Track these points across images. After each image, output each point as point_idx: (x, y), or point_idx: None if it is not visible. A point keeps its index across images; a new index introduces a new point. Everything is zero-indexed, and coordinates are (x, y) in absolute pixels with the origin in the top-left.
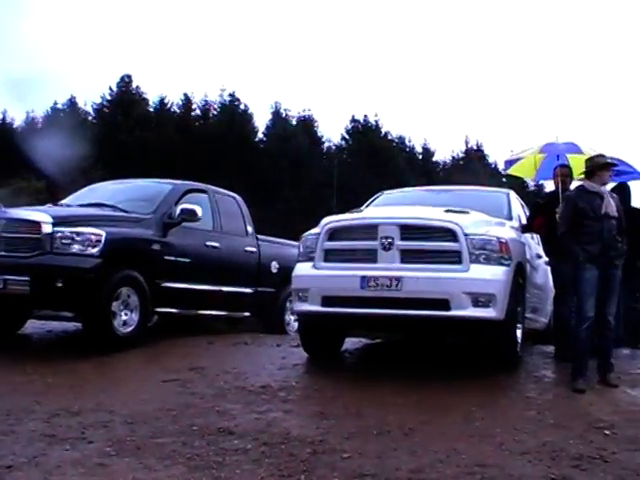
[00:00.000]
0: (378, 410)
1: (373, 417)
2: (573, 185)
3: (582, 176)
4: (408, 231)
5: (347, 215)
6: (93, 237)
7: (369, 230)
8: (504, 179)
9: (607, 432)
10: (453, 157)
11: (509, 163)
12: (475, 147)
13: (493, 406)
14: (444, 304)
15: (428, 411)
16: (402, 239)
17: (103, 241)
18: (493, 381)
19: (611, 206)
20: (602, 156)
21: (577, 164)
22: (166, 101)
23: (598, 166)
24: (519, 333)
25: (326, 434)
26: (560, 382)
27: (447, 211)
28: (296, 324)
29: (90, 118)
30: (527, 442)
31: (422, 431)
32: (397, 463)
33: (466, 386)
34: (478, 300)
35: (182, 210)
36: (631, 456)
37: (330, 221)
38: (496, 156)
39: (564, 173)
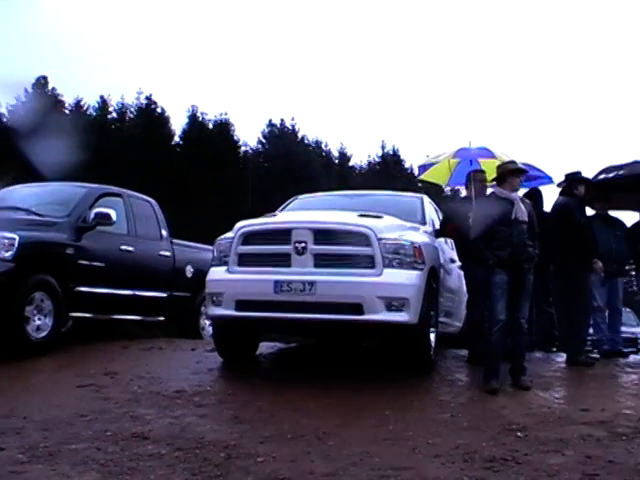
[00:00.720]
0: (292, 414)
1: (287, 421)
2: (489, 191)
3: (494, 182)
4: (321, 235)
5: (261, 219)
6: (6, 241)
7: (283, 234)
8: (420, 184)
9: (519, 434)
10: (369, 162)
11: (423, 168)
12: (391, 152)
13: (407, 409)
14: (357, 308)
15: (342, 415)
16: (316, 243)
17: (16, 245)
18: (407, 385)
19: (522, 211)
20: (513, 162)
21: (490, 169)
22: (82, 103)
23: (508, 172)
24: (433, 337)
25: (240, 438)
26: (473, 385)
27: (361, 216)
28: (211, 328)
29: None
30: (440, 445)
31: (336, 435)
32: (311, 467)
33: (380, 390)
34: (391, 304)
35: (96, 214)
36: (543, 457)
37: (244, 225)
38: (412, 161)
39: (481, 178)
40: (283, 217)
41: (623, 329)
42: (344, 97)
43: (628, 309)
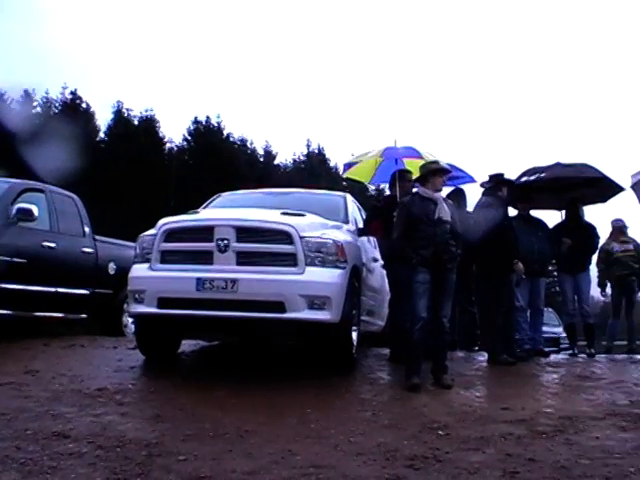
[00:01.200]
0: (214, 412)
1: (209, 419)
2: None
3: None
4: (244, 233)
5: (184, 216)
6: None
7: (205, 232)
8: (344, 183)
9: (440, 432)
10: (294, 160)
11: (347, 166)
12: (316, 150)
13: (328, 408)
14: (279, 306)
15: (264, 413)
16: (238, 241)
17: None
18: (329, 383)
19: (444, 211)
20: (435, 162)
21: (415, 168)
22: (5, 97)
23: (431, 172)
24: (355, 335)
25: (162, 436)
26: (395, 384)
27: (283, 214)
28: (133, 326)
29: None
30: (362, 443)
31: (258, 433)
32: (233, 465)
33: (302, 388)
34: (313, 302)
35: (18, 209)
36: (464, 455)
37: (166, 222)
38: (337, 159)
39: (407, 178)
40: (206, 214)
41: (545, 329)
42: (270, 95)
43: (550, 309)
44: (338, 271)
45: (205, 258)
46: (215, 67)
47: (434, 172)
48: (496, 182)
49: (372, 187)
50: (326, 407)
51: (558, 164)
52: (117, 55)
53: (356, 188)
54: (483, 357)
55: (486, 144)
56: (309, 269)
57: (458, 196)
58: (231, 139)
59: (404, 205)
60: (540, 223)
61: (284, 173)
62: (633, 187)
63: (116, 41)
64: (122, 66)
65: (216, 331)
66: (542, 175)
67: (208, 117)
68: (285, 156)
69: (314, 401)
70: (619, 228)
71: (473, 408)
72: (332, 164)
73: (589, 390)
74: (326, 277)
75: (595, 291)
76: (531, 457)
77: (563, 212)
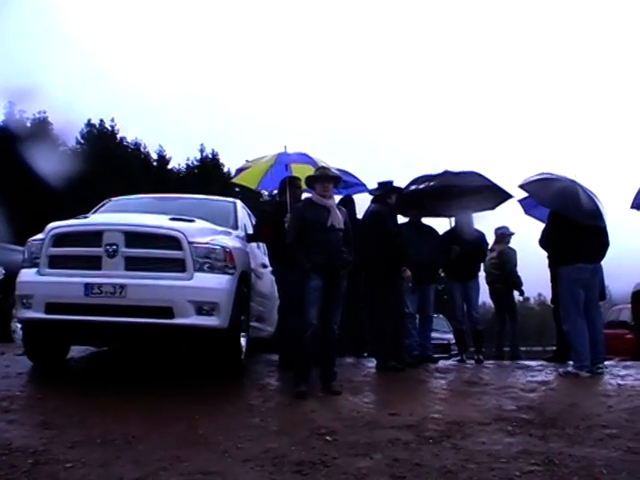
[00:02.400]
0: (102, 419)
1: (97, 426)
2: (305, 196)
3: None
4: (133, 238)
5: (73, 221)
6: None
7: (94, 237)
8: (237, 188)
9: (328, 438)
10: (188, 165)
11: (239, 171)
12: (211, 155)
13: (217, 414)
14: (168, 312)
15: (152, 419)
16: (127, 246)
17: None
18: (217, 389)
19: (337, 219)
20: (327, 169)
21: (305, 175)
22: None
23: (326, 179)
24: (244, 341)
25: (49, 444)
26: (284, 390)
27: (172, 219)
28: (22, 332)
29: None
30: (250, 449)
31: (146, 439)
32: (120, 472)
33: (191, 394)
34: (202, 308)
35: None
36: (351, 461)
37: (55, 227)
38: (231, 165)
39: (297, 185)
40: (95, 219)
41: (436, 335)
42: (164, 99)
43: (441, 315)
44: (226, 277)
45: (94, 263)
46: (109, 69)
47: (326, 179)
48: (385, 190)
49: (266, 193)
50: (214, 413)
51: (447, 172)
52: (5, 53)
53: (251, 194)
54: (372, 363)
55: (383, 150)
56: (198, 275)
57: (348, 203)
58: (125, 143)
59: (297, 210)
60: (430, 230)
61: (178, 178)
62: (521, 201)
63: (6, 40)
64: (12, 65)
65: (105, 337)
66: (431, 184)
67: (102, 120)
68: (179, 161)
69: (203, 407)
70: (500, 235)
71: (361, 414)
72: (226, 169)
73: (476, 396)
74: (214, 283)
75: (486, 297)
76: (418, 462)
77: (453, 219)
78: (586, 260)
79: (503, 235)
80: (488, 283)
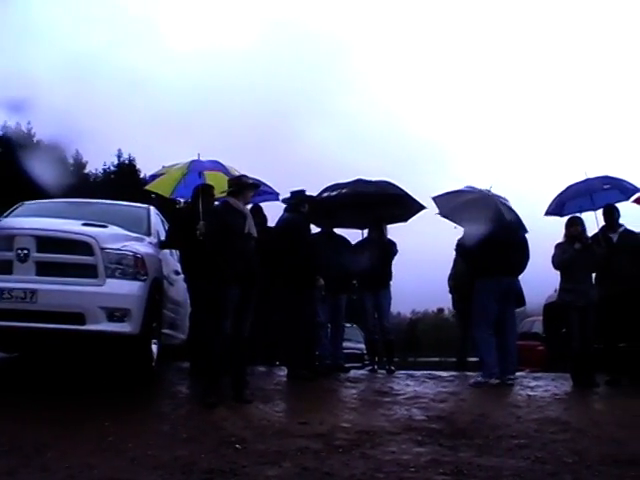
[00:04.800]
0: (11, 426)
1: (5, 433)
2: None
3: (224, 194)
4: (44, 243)
5: None
6: None
7: (5, 241)
8: (153, 194)
9: (238, 446)
10: (105, 170)
11: (152, 177)
12: (127, 161)
13: (127, 421)
14: (79, 318)
15: (62, 427)
16: (38, 251)
17: None
18: (128, 396)
19: (253, 227)
20: (246, 176)
21: (219, 183)
22: None
23: (245, 186)
24: (155, 349)
25: None
26: (194, 398)
27: (85, 224)
28: None
29: None
30: (160, 456)
31: (55, 447)
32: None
33: (101, 401)
34: (113, 315)
35: None
36: (260, 469)
37: None
38: (148, 171)
39: (211, 193)
40: (6, 223)
41: (350, 345)
42: (79, 101)
43: (355, 325)
44: (138, 283)
45: (4, 268)
46: (21, 70)
47: (248, 186)
48: (298, 199)
49: (182, 200)
50: (125, 420)
51: (359, 180)
52: None
53: (167, 200)
54: (283, 372)
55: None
56: (109, 281)
57: (258, 212)
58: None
59: (218, 214)
60: (343, 240)
61: (94, 183)
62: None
63: None
64: None
65: (15, 343)
66: (343, 191)
67: (18, 122)
68: (95, 165)
69: (113, 414)
70: None
71: (272, 422)
72: (142, 175)
73: (387, 405)
74: (126, 289)
75: (400, 307)
76: (327, 471)
77: (366, 231)
78: (505, 273)
79: None
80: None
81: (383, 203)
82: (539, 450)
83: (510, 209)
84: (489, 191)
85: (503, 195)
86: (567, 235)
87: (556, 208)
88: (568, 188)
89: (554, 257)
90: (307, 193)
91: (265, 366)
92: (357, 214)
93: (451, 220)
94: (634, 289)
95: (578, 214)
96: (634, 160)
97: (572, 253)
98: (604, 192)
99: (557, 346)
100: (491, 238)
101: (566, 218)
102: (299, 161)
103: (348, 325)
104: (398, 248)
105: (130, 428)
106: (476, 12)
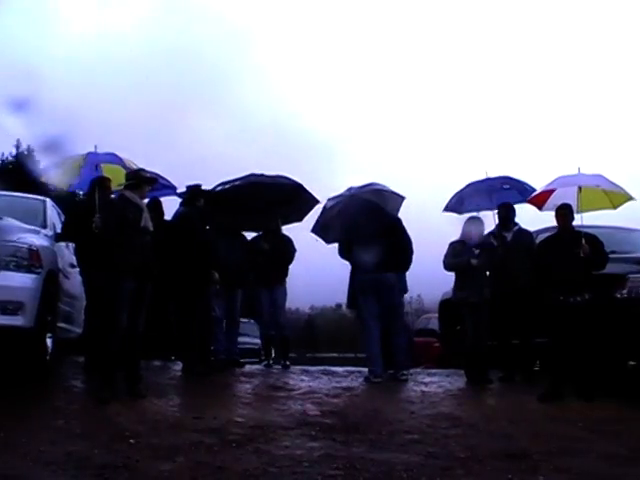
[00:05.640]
0: None
1: None
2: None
3: (121, 187)
4: None
5: None
6: None
7: None
8: (52, 186)
9: (132, 441)
10: (2, 160)
11: (49, 169)
12: (26, 151)
13: (20, 416)
14: None
15: None
16: None
17: None
18: (21, 391)
19: (149, 220)
20: (144, 170)
21: (116, 176)
22: None
23: (143, 180)
24: (50, 342)
25: None
26: (89, 392)
27: None
28: None
29: None
30: (53, 452)
31: None
32: None
33: None
34: (6, 308)
35: None
36: (154, 464)
37: None
38: (47, 161)
39: (107, 186)
40: None
41: (247, 340)
42: None
43: (252, 320)
44: (33, 276)
45: None
46: None
47: (147, 180)
48: (194, 193)
49: (81, 192)
50: (17, 415)
51: (252, 175)
52: None
53: (65, 192)
54: (179, 367)
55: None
56: (3, 273)
57: (156, 206)
58: None
59: (116, 206)
60: (239, 235)
61: None
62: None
63: None
64: None
65: None
66: (237, 183)
67: None
68: None
69: (5, 409)
70: None
71: (166, 417)
72: (42, 166)
73: (281, 400)
74: (19, 282)
75: (298, 303)
76: (220, 465)
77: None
78: (367, 269)
79: None
80: None
81: (278, 200)
82: (432, 445)
83: (379, 198)
84: (351, 189)
85: (379, 183)
86: (464, 234)
87: (455, 205)
88: (468, 186)
89: (446, 257)
90: (202, 187)
91: (160, 361)
92: (254, 214)
93: (333, 238)
94: (526, 287)
95: (476, 213)
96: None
97: (465, 260)
98: (503, 192)
99: (452, 343)
100: (355, 235)
101: (465, 215)
102: (189, 154)
103: (245, 320)
104: (295, 246)
105: (23, 423)
106: (374, 6)
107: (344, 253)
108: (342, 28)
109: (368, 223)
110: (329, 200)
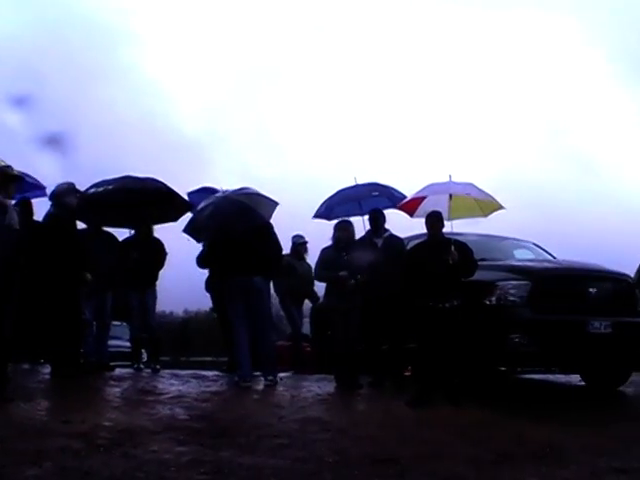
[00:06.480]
0: None
1: None
2: None
3: None
4: None
5: None
6: None
7: None
8: None
9: None
10: None
11: None
12: None
13: None
14: None
15: None
16: None
17: None
18: None
19: (15, 219)
20: (11, 167)
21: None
22: None
23: (9, 178)
24: None
25: None
26: None
27: None
28: None
29: None
30: None
31: None
32: None
33: None
34: None
35: None
36: (19, 469)
37: None
38: None
39: None
40: None
41: (119, 343)
42: None
43: (125, 323)
44: None
45: None
46: None
47: (13, 178)
48: (62, 193)
49: None
50: None
51: (127, 177)
52: None
53: None
54: (47, 369)
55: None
56: None
57: (26, 207)
58: None
59: None
60: (110, 237)
61: None
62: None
63: None
64: None
65: None
66: (110, 187)
67: None
68: None
69: None
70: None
71: (33, 421)
72: None
73: (150, 404)
74: None
75: (172, 306)
76: (87, 470)
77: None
78: (237, 272)
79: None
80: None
81: (151, 202)
82: (300, 449)
83: (252, 201)
84: (225, 191)
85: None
86: (335, 239)
87: (325, 211)
88: (337, 193)
89: (317, 265)
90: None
91: (29, 363)
92: (125, 212)
93: (205, 238)
94: (396, 292)
95: (347, 218)
96: (403, 168)
97: (334, 275)
98: (373, 199)
99: (323, 348)
100: (225, 236)
101: (334, 221)
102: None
103: (117, 323)
104: (167, 249)
105: None
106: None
107: (209, 257)
108: (216, 24)
109: (239, 223)
110: (203, 200)
